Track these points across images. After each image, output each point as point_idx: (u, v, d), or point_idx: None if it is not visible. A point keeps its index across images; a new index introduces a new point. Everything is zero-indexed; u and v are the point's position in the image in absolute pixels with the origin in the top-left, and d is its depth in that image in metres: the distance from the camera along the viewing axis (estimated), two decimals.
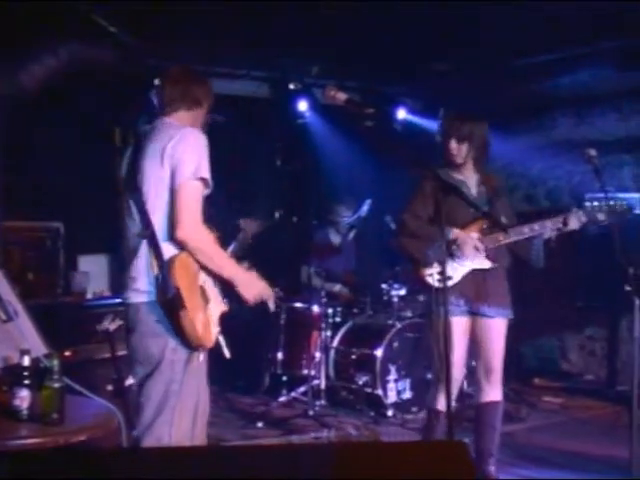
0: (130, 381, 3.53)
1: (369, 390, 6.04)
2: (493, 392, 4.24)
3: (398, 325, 6.17)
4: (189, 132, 3.20)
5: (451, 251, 4.11)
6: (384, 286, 6.48)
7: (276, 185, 8.06)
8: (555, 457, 5.07)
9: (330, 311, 6.43)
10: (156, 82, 6.54)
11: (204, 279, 3.20)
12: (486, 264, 4.14)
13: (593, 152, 4.08)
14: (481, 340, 4.23)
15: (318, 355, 6.24)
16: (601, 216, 3.99)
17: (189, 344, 3.11)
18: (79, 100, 6.10)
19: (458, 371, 4.15)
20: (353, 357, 6.20)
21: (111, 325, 4.09)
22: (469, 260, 4.13)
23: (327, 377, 6.26)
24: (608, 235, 3.98)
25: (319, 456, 1.80)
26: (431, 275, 4.15)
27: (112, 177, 6.95)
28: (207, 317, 3.16)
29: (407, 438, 5.39)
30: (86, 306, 4.94)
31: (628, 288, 3.84)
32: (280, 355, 6.38)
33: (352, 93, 6.36)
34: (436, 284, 4.12)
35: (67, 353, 4.25)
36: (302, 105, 7.35)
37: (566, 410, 6.33)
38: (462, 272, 4.16)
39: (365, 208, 6.42)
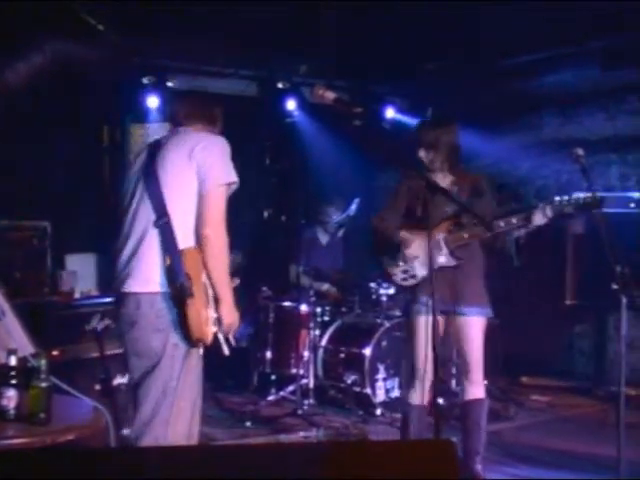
0: (118, 380, 3.52)
1: (358, 389, 6.04)
2: (474, 390, 4.23)
3: (387, 324, 6.16)
4: (215, 138, 3.31)
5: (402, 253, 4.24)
6: (372, 285, 6.49)
7: (265, 184, 8.03)
8: (543, 455, 5.07)
9: (319, 310, 6.43)
10: (145, 81, 6.58)
11: (205, 279, 3.24)
12: (451, 262, 4.16)
13: (580, 151, 4.08)
14: (457, 339, 4.25)
15: (307, 354, 6.25)
16: (569, 209, 3.98)
17: (191, 337, 3.13)
18: (66, 99, 6.07)
19: (430, 367, 4.20)
20: (342, 356, 6.20)
21: (99, 325, 4.08)
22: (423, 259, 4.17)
23: (316, 376, 6.27)
24: (596, 233, 3.98)
25: (308, 455, 1.80)
26: (396, 275, 4.27)
27: (100, 176, 6.96)
28: (207, 314, 3.19)
29: (395, 437, 5.36)
30: (74, 305, 4.87)
31: (615, 286, 3.85)
32: (269, 354, 6.38)
33: (340, 92, 6.23)
34: (401, 283, 4.28)
35: (55, 352, 4.19)
36: (290, 104, 7.33)
37: (554, 408, 6.35)
38: (424, 271, 4.20)
39: (353, 207, 6.40)
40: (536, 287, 7.18)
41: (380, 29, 6.18)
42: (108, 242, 3.43)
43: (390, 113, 7.63)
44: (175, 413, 3.16)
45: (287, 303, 6.53)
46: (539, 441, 5.40)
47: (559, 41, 6.25)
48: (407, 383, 4.33)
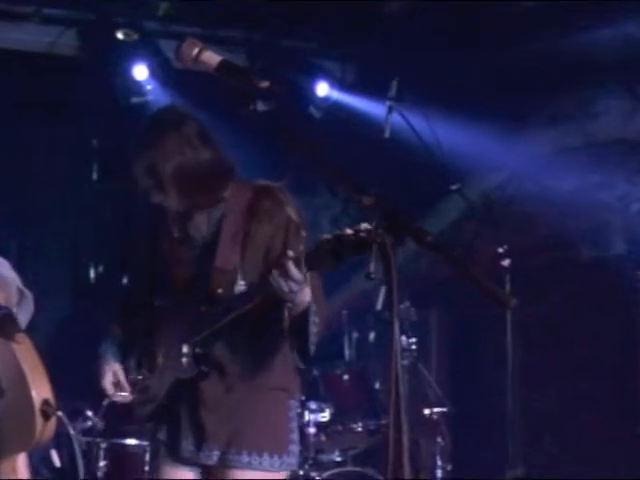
0: None
1: None
2: None
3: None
4: None
5: None
6: None
7: (88, 226, 7.40)
8: None
9: None
10: None
11: None
12: (193, 371, 3.91)
13: None
14: None
15: None
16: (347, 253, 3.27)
17: None
18: None
19: None
20: None
21: None
22: None
23: None
24: None
25: None
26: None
27: None
28: None
29: None
30: None
31: None
32: None
33: (232, 52, 6.29)
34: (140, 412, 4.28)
35: None
36: (139, 71, 6.61)
37: None
38: (162, 390, 4.03)
39: None
40: (585, 398, 6.51)
41: None
42: None
43: (323, 89, 6.98)
44: None
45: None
46: None
47: None
48: None
